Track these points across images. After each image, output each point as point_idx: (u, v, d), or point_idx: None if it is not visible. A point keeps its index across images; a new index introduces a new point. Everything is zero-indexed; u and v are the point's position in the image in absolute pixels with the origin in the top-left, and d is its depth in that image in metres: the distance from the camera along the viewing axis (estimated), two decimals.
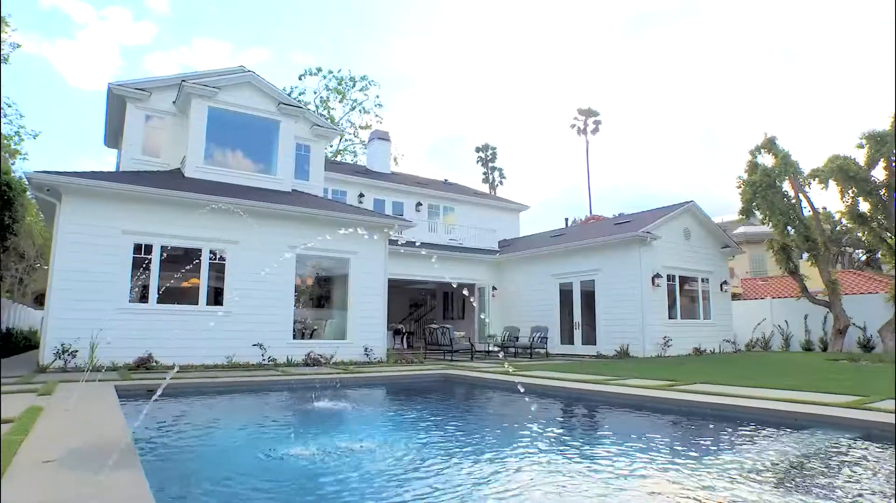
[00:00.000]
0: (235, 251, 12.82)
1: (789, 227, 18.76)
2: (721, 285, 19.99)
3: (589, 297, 19.08)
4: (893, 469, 4.23)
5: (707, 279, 19.56)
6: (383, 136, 27.52)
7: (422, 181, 27.40)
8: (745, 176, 19.67)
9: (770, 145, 18.81)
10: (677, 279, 18.50)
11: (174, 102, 14.63)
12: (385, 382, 10.45)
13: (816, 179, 17.85)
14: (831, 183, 18.41)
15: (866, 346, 18.79)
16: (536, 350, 17.79)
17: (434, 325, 16.53)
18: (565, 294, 19.95)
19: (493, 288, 22.40)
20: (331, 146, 36.04)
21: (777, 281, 27.04)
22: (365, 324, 14.54)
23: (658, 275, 17.59)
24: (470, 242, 23.77)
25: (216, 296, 12.69)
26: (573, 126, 54.08)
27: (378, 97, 42.59)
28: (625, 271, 17.78)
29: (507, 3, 72.53)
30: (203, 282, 12.40)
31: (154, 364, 11.13)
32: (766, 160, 19.31)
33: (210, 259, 12.56)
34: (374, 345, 14.54)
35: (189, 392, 8.31)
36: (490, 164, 55.62)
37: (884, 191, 16.77)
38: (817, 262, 18.24)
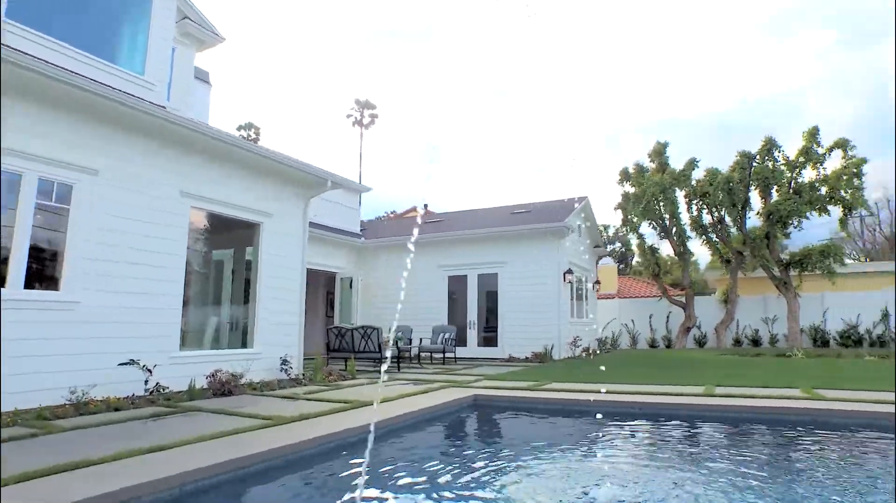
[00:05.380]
0: (90, 188, 6.88)
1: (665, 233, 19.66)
2: (594, 285, 20.04)
3: (489, 293, 16.93)
4: (893, 466, 4.09)
5: (587, 278, 19.32)
6: (203, 77, 20.67)
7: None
8: (624, 183, 20.10)
9: (661, 151, 19.52)
10: (575, 276, 17.70)
11: None
12: (417, 420, 6.40)
13: (696, 189, 19.10)
14: (679, 194, 20.08)
15: (701, 343, 20.92)
16: (447, 354, 14.89)
17: (348, 326, 12.22)
18: (455, 290, 17.43)
19: (359, 280, 18.52)
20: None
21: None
22: (279, 326, 9.66)
23: (569, 272, 16.45)
24: (328, 220, 19.34)
25: (45, 273, 6.58)
26: (349, 116, 52.62)
27: None
28: (539, 265, 16.12)
29: None
30: (20, 243, 6.25)
31: None
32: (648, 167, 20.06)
33: (38, 198, 6.44)
34: (292, 354, 9.79)
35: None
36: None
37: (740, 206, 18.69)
38: (683, 265, 19.51)
